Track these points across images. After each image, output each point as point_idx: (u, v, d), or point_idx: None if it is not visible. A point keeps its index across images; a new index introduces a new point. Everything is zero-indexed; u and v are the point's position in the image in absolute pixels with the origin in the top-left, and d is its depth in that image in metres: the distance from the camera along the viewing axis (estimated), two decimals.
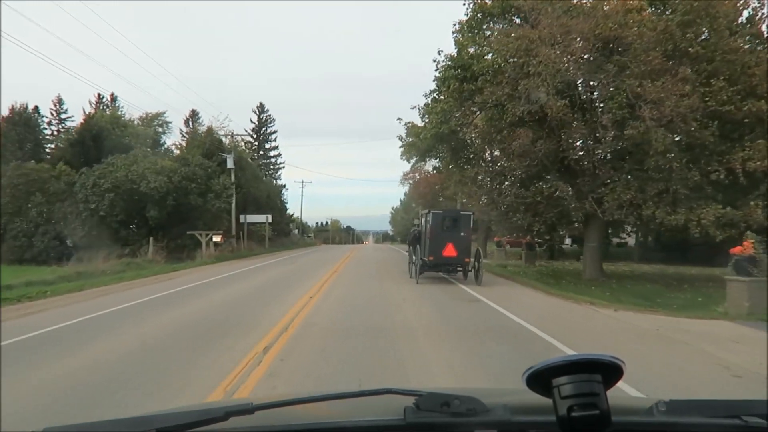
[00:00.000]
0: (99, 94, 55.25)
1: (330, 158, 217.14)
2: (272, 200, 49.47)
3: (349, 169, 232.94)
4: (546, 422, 1.15)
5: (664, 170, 14.72)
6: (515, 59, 15.65)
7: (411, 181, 36.02)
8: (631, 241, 40.09)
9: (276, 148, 71.41)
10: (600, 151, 17.37)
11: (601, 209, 16.16)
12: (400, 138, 22.73)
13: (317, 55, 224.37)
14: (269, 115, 71.59)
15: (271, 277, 18.07)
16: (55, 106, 54.75)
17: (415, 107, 21.11)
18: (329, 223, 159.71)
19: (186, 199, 25.43)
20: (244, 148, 50.96)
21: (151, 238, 23.93)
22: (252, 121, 69.94)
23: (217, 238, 23.86)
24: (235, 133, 34.15)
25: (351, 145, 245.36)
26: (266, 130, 70.97)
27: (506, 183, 20.74)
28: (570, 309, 11.57)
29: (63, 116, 55.36)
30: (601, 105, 16.73)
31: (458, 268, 16.01)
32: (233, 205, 33.49)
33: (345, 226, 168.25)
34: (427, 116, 20.96)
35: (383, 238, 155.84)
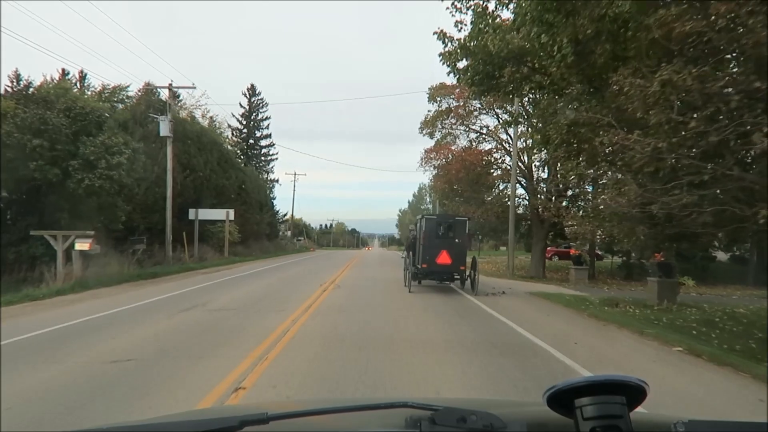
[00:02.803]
0: (63, 69, 45.22)
1: (338, 159, 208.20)
2: (251, 194, 38.44)
3: (356, 171, 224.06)
4: None
5: None
6: None
7: (435, 164, 24.43)
8: (720, 255, 29.25)
9: (269, 136, 60.82)
10: None
11: None
12: (447, 57, 11.10)
13: (330, 58, 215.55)
14: (261, 99, 61.07)
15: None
16: (12, 82, 44.33)
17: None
18: (333, 225, 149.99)
19: (27, 170, 14.02)
20: (207, 120, 39.88)
21: None
22: (241, 105, 59.56)
23: (83, 245, 12.83)
24: (174, 85, 22.74)
25: (359, 147, 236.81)
26: (257, 115, 60.41)
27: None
28: None
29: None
30: None
31: (455, 277, 15.22)
32: (168, 194, 22.44)
33: (350, 229, 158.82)
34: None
35: (389, 241, 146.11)
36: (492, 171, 24.18)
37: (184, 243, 24.26)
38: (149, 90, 24.23)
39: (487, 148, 23.84)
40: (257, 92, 61.00)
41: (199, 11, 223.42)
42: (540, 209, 22.49)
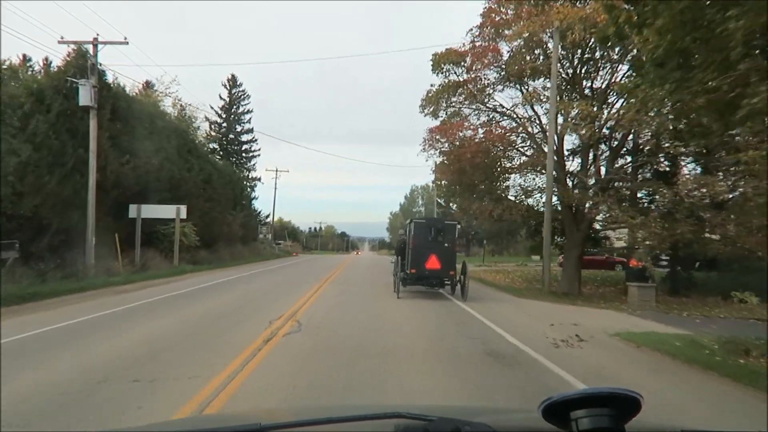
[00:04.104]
0: (24, 55, 39.62)
1: (328, 162, 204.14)
2: (220, 190, 32.95)
3: (347, 174, 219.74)
4: None
5: None
6: None
7: (442, 147, 18.78)
8: None
9: (250, 131, 55.41)
10: None
11: None
12: None
13: (321, 55, 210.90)
14: (242, 91, 55.69)
15: None
16: None
17: None
18: (323, 228, 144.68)
19: None
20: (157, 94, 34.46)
21: None
22: (221, 97, 54.16)
23: None
24: (100, 38, 17.19)
25: (351, 149, 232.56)
26: (238, 108, 54.93)
27: None
28: None
29: None
30: None
31: (446, 282, 14.87)
32: (91, 182, 17.00)
33: (339, 232, 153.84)
34: None
35: (380, 245, 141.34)
36: (513, 156, 18.93)
37: (117, 248, 18.77)
38: (82, 54, 18.72)
39: (507, 129, 18.44)
40: (238, 83, 55.54)
41: (199, 10, 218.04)
42: (575, 205, 17.30)
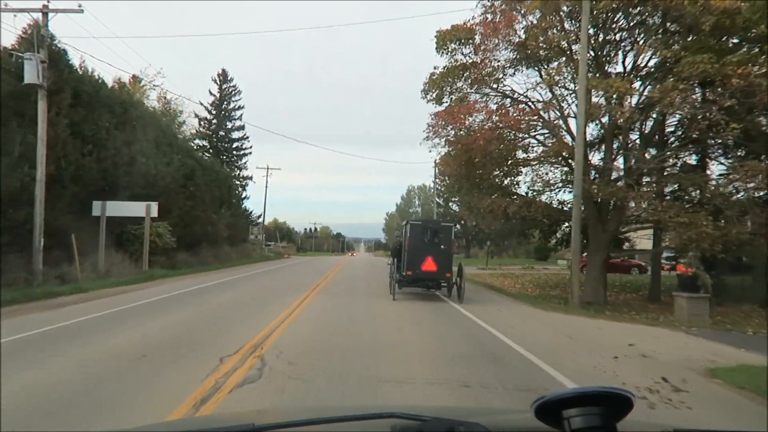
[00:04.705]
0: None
1: (324, 162, 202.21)
2: (203, 187, 30.48)
3: (343, 174, 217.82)
4: None
5: None
6: None
7: (448, 135, 16.24)
8: None
9: (242, 128, 52.96)
10: None
11: None
12: None
13: (316, 57, 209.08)
14: (233, 86, 53.28)
15: None
16: None
17: None
18: (318, 229, 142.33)
19: None
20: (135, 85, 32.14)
21: None
22: (211, 93, 51.77)
23: None
24: (51, 6, 14.66)
25: (350, 149, 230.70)
26: (228, 104, 52.53)
27: None
28: None
29: None
30: None
31: (442, 284, 14.66)
32: (39, 174, 14.54)
33: (335, 233, 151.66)
34: None
35: (376, 246, 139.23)
36: (531, 145, 16.51)
37: (75, 250, 16.28)
38: (36, 28, 16.18)
39: (526, 111, 15.92)
40: (229, 78, 53.14)
41: (196, 9, 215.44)
42: (599, 201, 14.97)
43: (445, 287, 14.87)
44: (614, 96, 12.29)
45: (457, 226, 66.80)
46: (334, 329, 9.07)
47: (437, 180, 42.43)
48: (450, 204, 61.41)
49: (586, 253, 17.35)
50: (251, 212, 53.28)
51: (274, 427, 1.37)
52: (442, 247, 14.37)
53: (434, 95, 18.40)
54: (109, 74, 39.20)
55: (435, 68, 18.28)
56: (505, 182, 18.89)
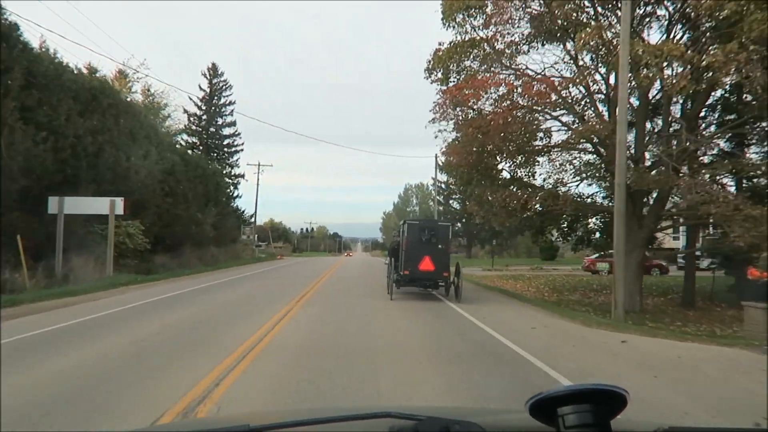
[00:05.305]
0: None
1: (322, 162, 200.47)
2: (184, 183, 28.13)
3: (340, 174, 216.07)
4: None
5: None
6: None
7: (458, 116, 13.96)
8: None
9: (233, 124, 50.49)
10: None
11: None
12: None
13: (312, 59, 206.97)
14: (224, 81, 50.77)
15: None
16: None
17: None
18: (314, 229, 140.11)
19: None
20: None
21: None
22: (201, 88, 49.29)
23: None
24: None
25: (344, 150, 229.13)
26: (219, 100, 50.05)
27: None
28: None
29: None
30: None
31: (440, 283, 14.70)
32: None
33: (331, 233, 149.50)
34: None
35: (373, 246, 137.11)
36: (553, 128, 14.20)
37: (21, 253, 13.90)
38: None
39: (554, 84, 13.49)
40: (219, 72, 50.67)
41: (197, 9, 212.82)
42: (634, 191, 12.68)
43: (442, 287, 14.85)
44: (665, 63, 10.01)
45: (457, 224, 64.80)
46: (319, 359, 6.74)
47: (439, 175, 40.00)
48: (450, 201, 59.05)
49: (612, 253, 15.16)
50: (243, 211, 50.85)
51: (270, 428, 1.34)
52: (440, 246, 14.32)
53: (440, 74, 16.11)
54: (93, 63, 36.68)
55: (440, 44, 16.01)
56: (519, 173, 16.66)
